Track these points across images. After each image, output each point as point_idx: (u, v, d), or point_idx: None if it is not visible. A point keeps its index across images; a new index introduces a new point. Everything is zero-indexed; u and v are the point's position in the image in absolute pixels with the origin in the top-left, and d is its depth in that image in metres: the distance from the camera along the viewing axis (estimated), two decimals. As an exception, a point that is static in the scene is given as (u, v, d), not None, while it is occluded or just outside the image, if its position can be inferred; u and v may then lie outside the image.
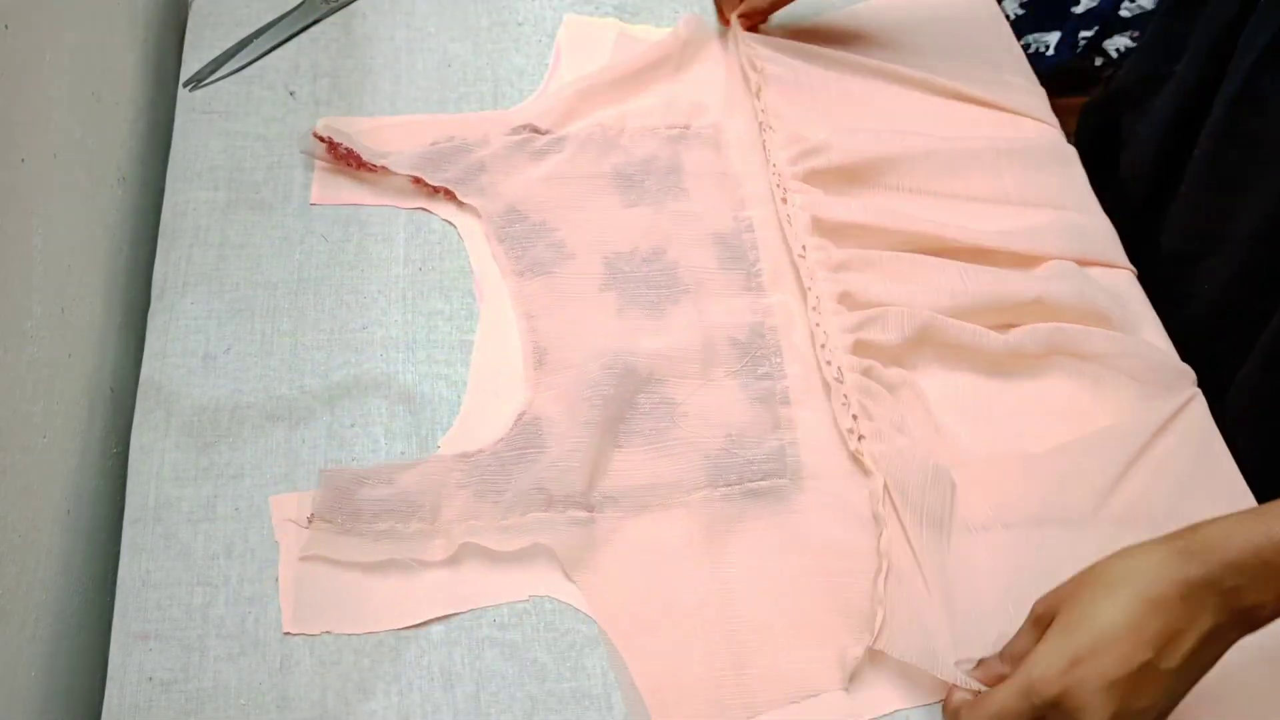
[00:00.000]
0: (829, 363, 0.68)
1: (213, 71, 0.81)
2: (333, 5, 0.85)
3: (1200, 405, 0.68)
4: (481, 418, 0.66)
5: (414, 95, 0.81)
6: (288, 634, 0.58)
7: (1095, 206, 0.78)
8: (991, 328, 0.69)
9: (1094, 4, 1.19)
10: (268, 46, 0.82)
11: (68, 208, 0.66)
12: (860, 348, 0.68)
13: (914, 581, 0.60)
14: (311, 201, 0.74)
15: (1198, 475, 0.65)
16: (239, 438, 0.65)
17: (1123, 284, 0.74)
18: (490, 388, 0.67)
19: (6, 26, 0.59)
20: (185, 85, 0.80)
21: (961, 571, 0.61)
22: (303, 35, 0.84)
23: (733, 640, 0.59)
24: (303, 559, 0.60)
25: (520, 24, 0.86)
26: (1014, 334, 0.69)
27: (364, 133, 0.77)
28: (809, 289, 0.71)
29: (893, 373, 0.67)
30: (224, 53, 0.82)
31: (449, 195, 0.75)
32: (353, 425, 0.65)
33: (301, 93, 0.80)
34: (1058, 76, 1.13)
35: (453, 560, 0.60)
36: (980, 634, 0.58)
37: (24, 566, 0.57)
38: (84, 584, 0.63)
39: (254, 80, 0.81)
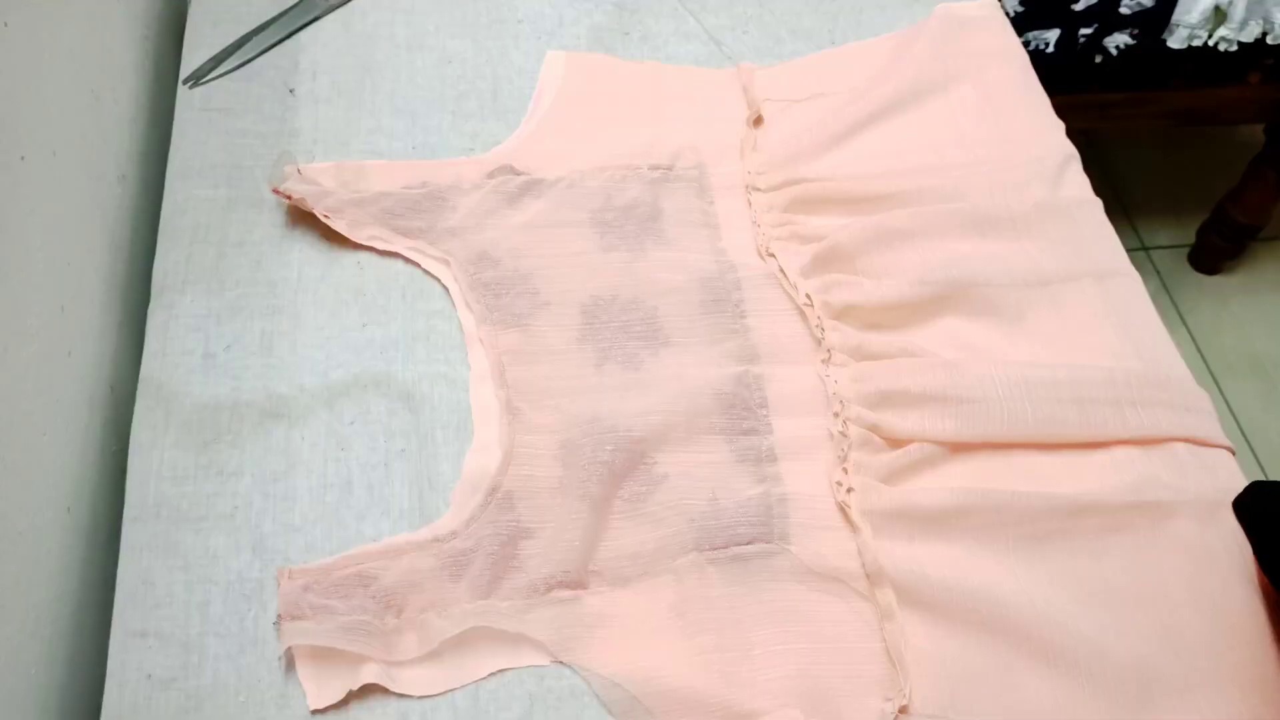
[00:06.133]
0: (836, 414, 0.65)
1: (212, 69, 0.81)
2: (332, 2, 0.85)
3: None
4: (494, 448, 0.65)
5: (413, 93, 0.81)
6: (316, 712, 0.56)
7: (1091, 214, 0.77)
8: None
9: (1094, 1, 1.18)
10: (268, 44, 0.82)
11: (67, 205, 0.66)
12: (877, 400, 0.66)
13: (930, 629, 0.59)
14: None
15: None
16: (238, 436, 0.65)
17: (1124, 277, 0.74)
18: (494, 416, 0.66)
19: (6, 24, 0.59)
20: (185, 82, 0.80)
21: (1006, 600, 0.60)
22: (302, 32, 0.84)
23: (743, 715, 0.57)
24: (284, 649, 0.57)
25: (520, 21, 0.86)
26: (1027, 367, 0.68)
27: (339, 175, 0.74)
28: (820, 338, 0.69)
29: (911, 420, 0.65)
30: (224, 50, 0.82)
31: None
32: (352, 423, 0.65)
33: (301, 90, 0.80)
34: (1058, 74, 1.13)
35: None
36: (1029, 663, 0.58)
37: (23, 564, 0.57)
38: (83, 582, 0.63)
39: (254, 78, 0.81)
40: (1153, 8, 1.20)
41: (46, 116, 0.64)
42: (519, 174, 0.76)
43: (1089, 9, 1.20)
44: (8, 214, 0.58)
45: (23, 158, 0.60)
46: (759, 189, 0.77)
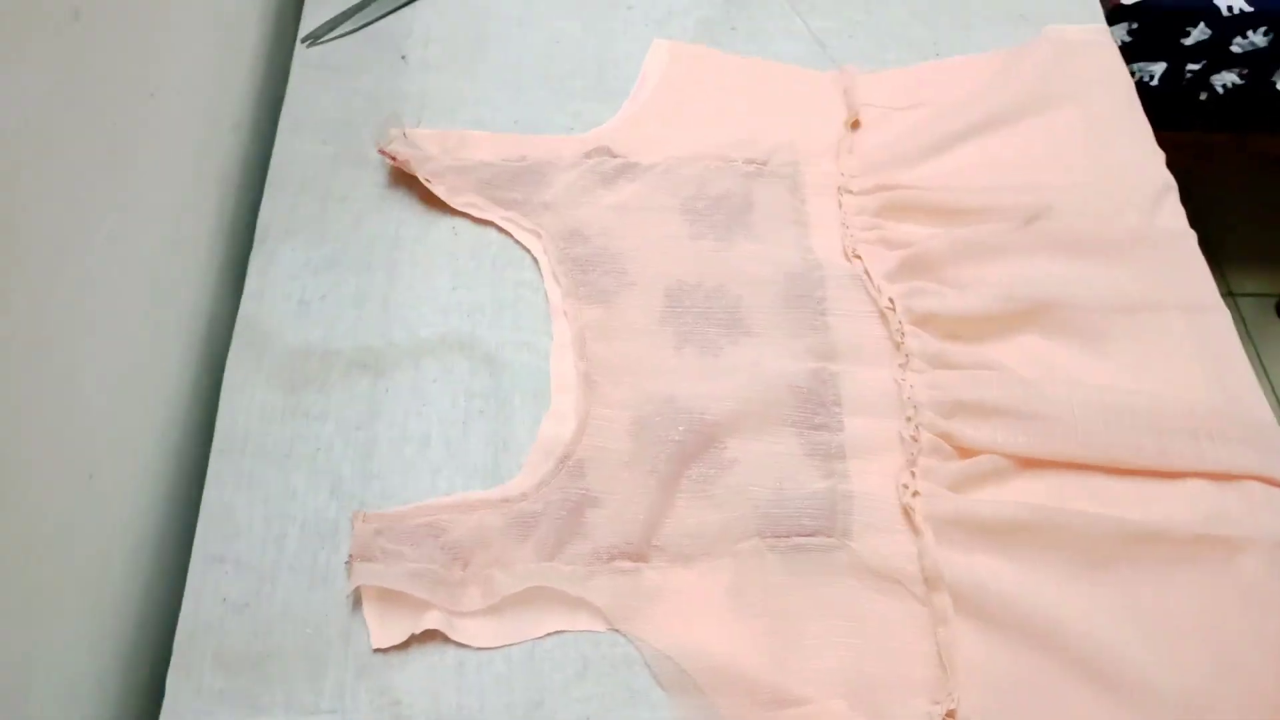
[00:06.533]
0: (909, 418, 0.66)
1: (330, 30, 0.83)
2: (450, -25, 0.87)
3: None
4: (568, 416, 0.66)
5: (521, 68, 0.83)
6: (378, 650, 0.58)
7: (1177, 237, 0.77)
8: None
9: (1205, 37, 1.17)
10: (385, 10, 0.85)
11: (184, 146, 0.69)
12: (952, 409, 0.66)
13: (983, 639, 0.59)
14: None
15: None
16: (325, 382, 0.67)
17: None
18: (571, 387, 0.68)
19: (149, -33, 0.62)
20: (303, 41, 0.83)
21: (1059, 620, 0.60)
22: (419, 1, 0.86)
23: (790, 701, 0.58)
24: (353, 588, 0.59)
25: (630, 7, 0.88)
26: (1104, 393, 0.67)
27: (443, 142, 0.77)
28: (900, 343, 0.69)
29: (984, 432, 0.65)
30: (342, 13, 0.84)
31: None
32: (435, 381, 0.67)
33: (412, 57, 0.83)
34: (1161, 108, 1.12)
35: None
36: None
37: (115, 481, 0.59)
38: (169, 505, 0.65)
39: (369, 41, 0.83)
40: (1265, 48, 1.18)
41: (175, 59, 0.67)
42: (616, 156, 0.77)
43: (1199, 44, 1.18)
44: (134, 146, 0.61)
45: (152, 94, 0.63)
46: (851, 191, 0.77)
